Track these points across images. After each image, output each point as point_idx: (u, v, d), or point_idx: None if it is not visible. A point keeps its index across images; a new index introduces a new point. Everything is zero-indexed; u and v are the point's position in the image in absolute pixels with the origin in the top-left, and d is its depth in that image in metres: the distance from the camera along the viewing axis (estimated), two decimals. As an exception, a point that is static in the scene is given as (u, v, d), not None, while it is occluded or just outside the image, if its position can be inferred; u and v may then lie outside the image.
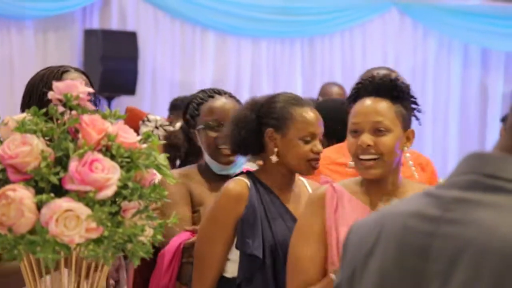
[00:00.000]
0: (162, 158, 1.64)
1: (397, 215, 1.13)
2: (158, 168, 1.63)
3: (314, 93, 6.75)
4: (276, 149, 2.46)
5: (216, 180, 2.69)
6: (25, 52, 6.63)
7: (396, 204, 1.19)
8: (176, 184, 2.52)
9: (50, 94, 1.62)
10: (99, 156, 1.56)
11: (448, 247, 1.04)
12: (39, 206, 1.54)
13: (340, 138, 3.80)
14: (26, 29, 6.65)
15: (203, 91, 2.83)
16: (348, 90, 7.35)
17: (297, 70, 7.33)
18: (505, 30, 7.66)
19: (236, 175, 2.54)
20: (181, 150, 3.65)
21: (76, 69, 2.36)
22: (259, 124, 2.50)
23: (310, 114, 2.51)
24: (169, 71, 6.88)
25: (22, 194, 1.54)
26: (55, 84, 1.62)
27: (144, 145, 1.64)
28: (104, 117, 1.64)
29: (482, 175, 1.06)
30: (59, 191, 1.55)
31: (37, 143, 1.58)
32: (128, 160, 1.60)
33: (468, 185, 1.07)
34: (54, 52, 6.67)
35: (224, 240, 2.43)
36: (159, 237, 1.61)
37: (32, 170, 1.56)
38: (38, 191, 1.55)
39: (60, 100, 1.63)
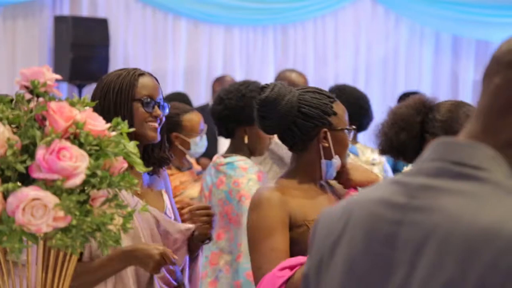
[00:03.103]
0: (131, 146, 1.63)
1: (365, 203, 1.14)
2: (127, 156, 1.61)
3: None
4: None
5: (315, 186, 2.45)
6: (-6, 38, 6.55)
7: (364, 192, 1.20)
8: (274, 208, 2.31)
9: (16, 81, 1.60)
10: (67, 144, 1.54)
11: (414, 235, 1.05)
12: (5, 195, 1.52)
13: (360, 125, 3.90)
14: (-5, 16, 6.56)
15: (318, 88, 2.52)
16: (321, 77, 7.34)
17: (269, 57, 7.33)
18: (476, 18, 7.73)
19: None
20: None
21: (150, 74, 2.48)
22: (423, 129, 2.21)
23: None
24: (141, 58, 6.84)
25: (-12, 183, 1.52)
26: (21, 71, 1.60)
27: (113, 133, 1.63)
28: (72, 104, 1.62)
29: (449, 162, 1.07)
30: (26, 179, 1.53)
31: (3, 131, 1.55)
32: (97, 148, 1.58)
33: (435, 172, 1.08)
34: (23, 39, 6.59)
35: None
36: (129, 225, 1.59)
37: (-2, 159, 1.54)
38: (4, 179, 1.53)
39: (27, 87, 1.61)
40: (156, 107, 2.41)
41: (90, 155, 1.56)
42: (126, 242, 2.25)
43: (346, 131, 2.44)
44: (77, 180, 1.52)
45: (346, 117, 2.46)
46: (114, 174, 1.58)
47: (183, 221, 2.50)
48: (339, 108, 2.46)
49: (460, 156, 1.07)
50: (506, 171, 1.05)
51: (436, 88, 8.02)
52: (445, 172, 1.07)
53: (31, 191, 1.50)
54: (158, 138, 2.40)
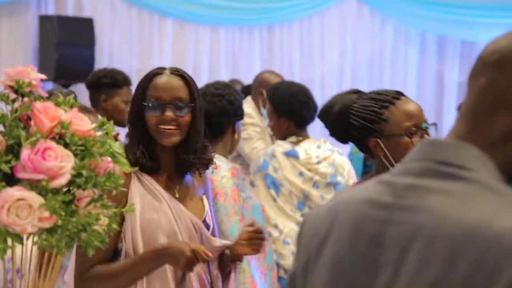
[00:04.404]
0: (117, 146, 1.63)
1: (352, 202, 1.15)
2: (113, 156, 1.61)
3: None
4: None
5: None
6: (-22, 38, 6.52)
7: (351, 192, 1.21)
8: None
9: (1, 80, 1.60)
10: (52, 144, 1.54)
11: (400, 234, 1.06)
12: (-10, 195, 1.51)
13: (304, 118, 3.86)
14: (-21, 15, 6.54)
15: (377, 93, 2.38)
16: (308, 77, 7.30)
17: (256, 57, 7.34)
18: (461, 18, 7.79)
19: None
20: None
21: (172, 73, 2.32)
22: None
23: None
24: (126, 58, 6.83)
25: (-28, 183, 1.52)
26: (6, 70, 1.60)
27: (99, 133, 1.62)
28: (58, 104, 1.62)
29: (434, 162, 1.08)
30: (11, 179, 1.52)
31: (-12, 131, 1.55)
32: (82, 148, 1.58)
33: (421, 172, 1.09)
34: (8, 39, 6.57)
35: None
36: (114, 226, 1.59)
37: (-17, 159, 1.53)
38: (-11, 180, 1.53)
39: (11, 87, 1.61)
40: (167, 109, 2.26)
41: (75, 155, 1.56)
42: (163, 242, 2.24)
43: (409, 135, 2.28)
44: (62, 180, 1.52)
45: (408, 119, 2.30)
46: (99, 174, 1.58)
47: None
48: (395, 112, 2.31)
49: (445, 156, 1.08)
50: (492, 171, 1.06)
51: (421, 88, 8.06)
52: (431, 172, 1.08)
53: (16, 191, 1.50)
54: (174, 141, 2.27)
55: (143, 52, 7.00)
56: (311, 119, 3.92)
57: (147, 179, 2.28)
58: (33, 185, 1.51)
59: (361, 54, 7.71)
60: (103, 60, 6.70)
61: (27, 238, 1.56)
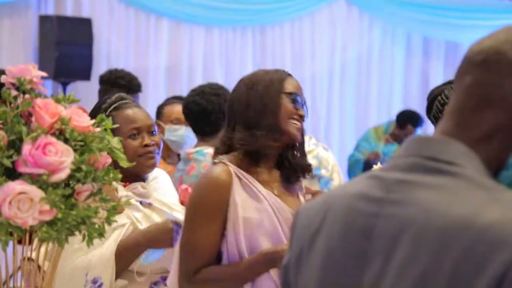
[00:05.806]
0: (115, 142, 1.65)
1: (343, 196, 1.17)
2: (111, 151, 1.63)
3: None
4: None
5: None
6: (-21, 38, 6.52)
7: (343, 186, 1.23)
8: None
9: (3, 78, 1.62)
10: (53, 139, 1.55)
11: (390, 227, 1.08)
12: (-8, 189, 1.53)
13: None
14: (-20, 16, 6.54)
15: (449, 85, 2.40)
16: (299, 76, 7.31)
17: (248, 57, 7.36)
18: (445, 20, 7.84)
19: None
20: None
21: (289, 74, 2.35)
22: None
23: None
24: (123, 57, 6.84)
25: (-25, 177, 1.54)
26: (8, 68, 1.62)
27: (98, 129, 1.64)
28: (58, 101, 1.64)
29: (422, 157, 1.11)
30: (13, 174, 1.55)
31: (-10, 127, 1.57)
32: (82, 143, 1.60)
33: (409, 167, 1.11)
34: (9, 38, 6.57)
35: None
36: (113, 218, 1.61)
37: (-15, 153, 1.55)
38: (-9, 174, 1.55)
39: (13, 84, 1.63)
40: (303, 106, 2.33)
41: (75, 150, 1.58)
42: (265, 243, 2.22)
43: None
44: (62, 175, 1.54)
45: None
46: (98, 169, 1.60)
47: None
48: None
49: (433, 152, 1.10)
50: (478, 166, 1.08)
51: (407, 86, 8.11)
52: (419, 167, 1.10)
53: (17, 185, 1.52)
54: (300, 139, 2.30)
55: (140, 51, 7.02)
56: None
57: (247, 178, 2.26)
58: (34, 179, 1.53)
59: (350, 53, 7.75)
60: (101, 59, 6.72)
61: (28, 231, 1.59)
